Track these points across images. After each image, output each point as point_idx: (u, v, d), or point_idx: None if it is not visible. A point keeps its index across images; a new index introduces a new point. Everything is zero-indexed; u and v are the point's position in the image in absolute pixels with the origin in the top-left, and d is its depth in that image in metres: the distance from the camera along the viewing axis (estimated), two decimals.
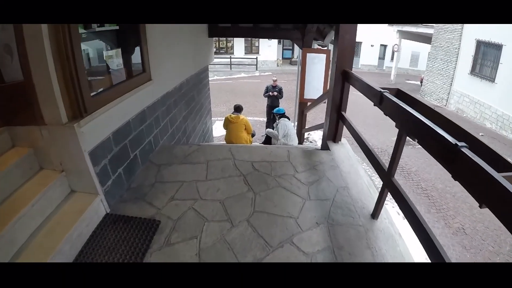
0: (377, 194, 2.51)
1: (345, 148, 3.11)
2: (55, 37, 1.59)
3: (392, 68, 17.98)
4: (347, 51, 2.71)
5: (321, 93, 5.42)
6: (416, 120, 1.43)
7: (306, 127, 6.08)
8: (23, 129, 1.81)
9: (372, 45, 22.73)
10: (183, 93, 3.80)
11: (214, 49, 21.75)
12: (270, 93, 7.57)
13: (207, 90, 5.46)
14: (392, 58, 22.10)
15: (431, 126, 1.29)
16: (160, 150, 2.99)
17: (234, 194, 2.29)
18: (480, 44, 11.32)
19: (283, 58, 24.47)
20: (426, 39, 15.85)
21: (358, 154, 3.57)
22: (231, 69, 20.71)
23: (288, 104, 10.89)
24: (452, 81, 12.94)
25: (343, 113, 2.93)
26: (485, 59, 11.07)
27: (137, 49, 2.63)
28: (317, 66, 5.27)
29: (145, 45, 2.67)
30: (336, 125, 3.06)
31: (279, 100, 7.66)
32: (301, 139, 6.00)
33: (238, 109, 5.33)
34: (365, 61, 23.04)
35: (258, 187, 2.36)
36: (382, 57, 23.25)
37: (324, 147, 3.16)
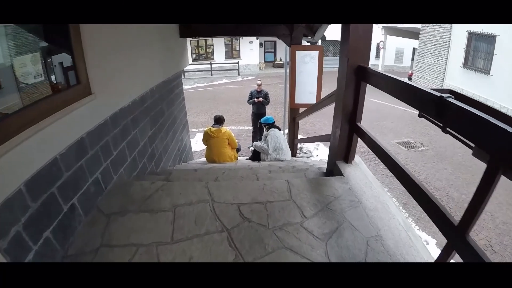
0: (420, 240, 1.78)
1: (362, 170, 2.36)
2: None
3: (379, 65, 17.68)
4: (362, 41, 1.97)
5: (315, 97, 4.73)
6: None
7: (298, 137, 5.34)
8: None
9: None
10: (147, 107, 2.97)
11: (194, 55, 21.12)
12: (255, 99, 6.72)
13: (182, 101, 4.64)
14: (376, 56, 21.92)
15: None
16: (112, 190, 2.15)
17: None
18: (472, 36, 11.04)
19: (265, 61, 23.88)
20: (413, 34, 15.61)
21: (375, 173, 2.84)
22: (212, 75, 19.87)
23: (275, 110, 10.17)
24: (444, 75, 12.63)
25: (359, 124, 2.19)
26: (478, 51, 10.79)
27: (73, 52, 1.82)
28: (309, 65, 4.56)
29: (79, 46, 1.86)
30: (348, 140, 2.32)
31: (265, 106, 6.87)
32: (294, 151, 5.25)
33: (219, 120, 4.53)
34: None
35: (250, 251, 1.54)
36: None
37: (336, 171, 2.41)
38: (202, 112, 11.20)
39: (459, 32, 11.62)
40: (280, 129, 4.57)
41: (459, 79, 11.82)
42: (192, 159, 5.40)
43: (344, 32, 2.02)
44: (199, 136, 7.68)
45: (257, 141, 6.98)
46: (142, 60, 2.82)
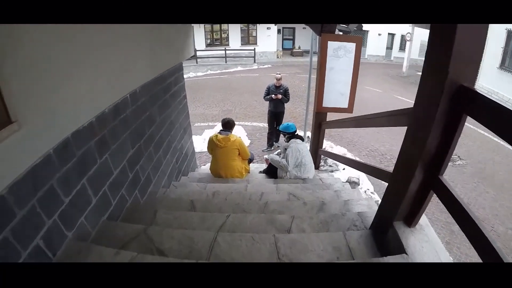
0: None
1: (431, 241, 1.54)
2: None
3: (404, 58, 16.30)
4: (473, 49, 1.11)
5: (347, 100, 3.86)
6: None
7: (323, 147, 4.48)
8: None
9: (379, 34, 21.03)
10: (124, 119, 2.19)
11: (208, 41, 20.12)
12: (273, 95, 5.76)
13: (182, 100, 3.82)
14: (401, 48, 20.48)
15: None
16: (63, 260, 1.44)
17: None
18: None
19: (283, 48, 22.74)
20: None
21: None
22: (226, 62, 18.92)
23: (293, 104, 9.17)
24: (477, 76, 11.25)
25: (442, 178, 1.34)
26: None
27: None
28: (343, 60, 3.67)
29: None
30: (420, 197, 1.48)
31: (284, 104, 5.95)
32: (316, 162, 4.41)
33: (227, 125, 3.73)
34: (372, 51, 21.35)
35: None
36: (390, 47, 21.56)
37: (393, 240, 1.58)
38: (214, 103, 10.39)
39: (498, 29, 10.29)
40: (303, 140, 3.72)
41: (494, 81, 10.56)
42: (196, 166, 4.62)
43: (437, 33, 1.16)
44: (208, 134, 6.92)
45: (273, 151, 6.23)
46: (114, 54, 1.99)
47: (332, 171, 4.49)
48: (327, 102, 3.93)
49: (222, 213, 2.27)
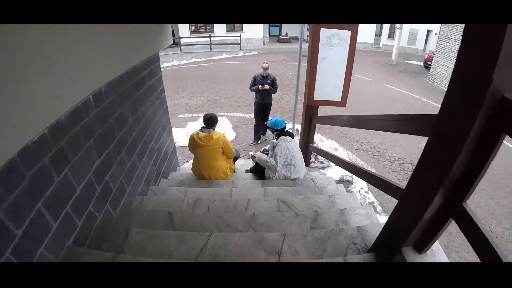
0: None
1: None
2: None
3: (394, 46, 16.19)
4: None
5: (340, 92, 3.62)
6: None
7: (314, 143, 4.23)
8: None
9: None
10: (86, 125, 1.85)
11: (192, 27, 19.29)
12: (260, 86, 5.39)
13: (159, 94, 3.43)
14: (389, 36, 20.34)
15: None
16: None
17: None
18: None
19: (270, 35, 22.18)
20: None
21: None
22: (211, 49, 18.28)
23: (280, 93, 8.80)
24: None
25: (466, 206, 1.10)
26: None
27: None
28: (337, 50, 3.39)
29: None
30: (438, 223, 1.24)
31: (272, 95, 5.63)
32: (307, 159, 4.16)
33: (209, 121, 3.40)
34: (361, 38, 20.85)
35: None
36: (378, 34, 21.44)
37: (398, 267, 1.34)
38: (198, 92, 9.96)
39: None
40: (293, 136, 3.44)
41: None
42: (178, 165, 4.29)
43: (479, 32, 0.88)
44: (191, 127, 6.56)
45: (260, 145, 5.91)
46: (70, 47, 1.63)
47: (323, 168, 4.27)
48: (319, 95, 3.66)
49: (204, 229, 2.00)
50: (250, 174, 3.76)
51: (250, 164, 4.55)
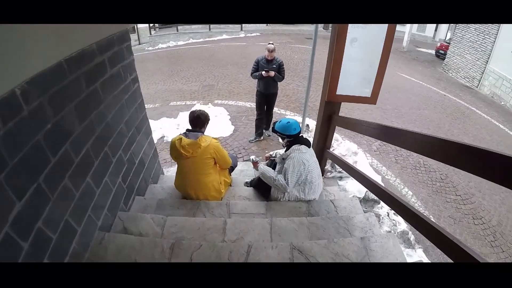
0: None
1: None
2: None
3: (405, 33, 15.09)
4: None
5: (371, 87, 2.76)
6: None
7: (331, 149, 3.36)
8: None
9: None
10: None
11: None
12: (263, 72, 4.34)
13: (130, 85, 2.45)
14: None
15: None
16: None
17: None
18: None
19: None
20: None
21: None
22: (210, 30, 17.06)
23: (284, 80, 7.76)
24: (489, 57, 10.18)
25: None
26: None
27: None
28: (370, 30, 2.49)
29: None
30: None
31: (278, 83, 4.68)
32: (322, 167, 3.30)
33: (196, 122, 2.50)
34: None
35: None
36: None
37: None
38: (194, 77, 8.97)
39: None
40: (310, 145, 2.56)
41: (507, 66, 9.40)
42: (160, 173, 3.39)
43: None
44: (183, 118, 5.64)
45: (263, 141, 4.89)
46: None
47: (341, 178, 3.41)
48: (343, 88, 2.75)
49: None
50: (250, 189, 2.90)
51: (250, 170, 3.69)
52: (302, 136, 2.58)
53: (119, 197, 2.28)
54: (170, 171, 3.78)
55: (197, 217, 2.34)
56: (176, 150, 2.40)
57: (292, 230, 2.07)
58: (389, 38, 2.52)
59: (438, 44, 14.92)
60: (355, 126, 2.68)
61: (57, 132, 1.52)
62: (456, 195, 4.30)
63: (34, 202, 1.34)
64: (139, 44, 15.00)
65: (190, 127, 2.51)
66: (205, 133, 2.54)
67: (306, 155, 2.42)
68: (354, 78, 2.70)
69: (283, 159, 2.51)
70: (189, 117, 2.51)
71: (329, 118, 3.05)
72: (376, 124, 2.26)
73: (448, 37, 16.54)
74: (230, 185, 2.93)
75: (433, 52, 15.44)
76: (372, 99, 2.83)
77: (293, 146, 2.46)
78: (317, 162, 2.58)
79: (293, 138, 2.52)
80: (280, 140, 2.66)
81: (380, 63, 2.63)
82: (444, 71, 12.40)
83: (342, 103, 3.01)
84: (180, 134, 2.45)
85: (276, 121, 2.64)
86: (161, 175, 3.33)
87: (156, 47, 14.22)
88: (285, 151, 2.53)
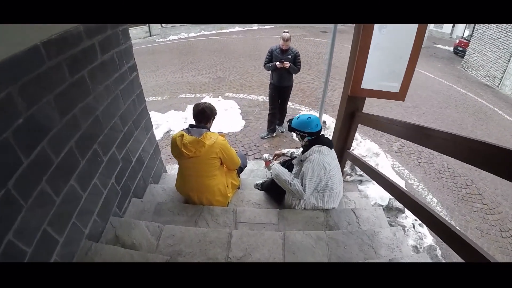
0: None
1: None
2: None
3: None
4: None
5: (400, 81, 2.40)
6: None
7: (351, 149, 3.02)
8: None
9: None
10: None
11: None
12: (277, 62, 4.02)
13: (126, 74, 2.13)
14: None
15: None
16: None
17: None
18: None
19: None
20: None
21: None
22: None
23: (299, 73, 7.34)
24: (511, 56, 9.63)
25: None
26: None
27: None
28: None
29: None
30: None
31: (293, 76, 4.34)
32: (341, 168, 2.95)
33: (202, 116, 2.19)
34: None
35: None
36: None
37: None
38: (204, 69, 8.69)
39: None
40: (332, 146, 2.22)
41: None
42: (162, 171, 3.11)
43: None
44: (189, 111, 5.36)
45: (276, 138, 4.55)
46: None
47: (361, 182, 3.07)
48: (368, 82, 2.40)
49: None
50: (261, 193, 2.59)
51: (261, 170, 3.39)
52: (323, 135, 2.25)
53: (111, 200, 2.01)
54: (174, 168, 3.51)
55: (198, 225, 2.06)
56: (177, 148, 2.11)
57: (309, 247, 1.76)
58: (421, 30, 2.15)
59: (457, 41, 14.61)
60: (384, 126, 2.32)
61: (31, 128, 1.26)
62: (483, 204, 3.90)
63: (3, 211, 1.11)
64: (150, 35, 14.82)
65: (193, 123, 2.22)
66: (211, 129, 2.24)
67: (328, 158, 2.09)
68: (381, 70, 2.34)
69: (301, 161, 2.18)
70: (193, 111, 2.21)
71: (352, 115, 2.70)
72: (413, 125, 1.89)
73: (466, 34, 16.21)
74: (239, 188, 2.64)
75: (451, 49, 15.09)
76: (400, 95, 2.46)
77: (313, 147, 2.13)
78: (339, 166, 2.25)
79: (314, 137, 2.19)
80: (297, 138, 2.33)
81: (412, 54, 2.26)
82: (464, 69, 11.82)
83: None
84: (182, 130, 2.16)
85: (292, 118, 2.31)
86: (163, 174, 3.06)
87: (167, 39, 14.00)
88: (303, 152, 2.21)
